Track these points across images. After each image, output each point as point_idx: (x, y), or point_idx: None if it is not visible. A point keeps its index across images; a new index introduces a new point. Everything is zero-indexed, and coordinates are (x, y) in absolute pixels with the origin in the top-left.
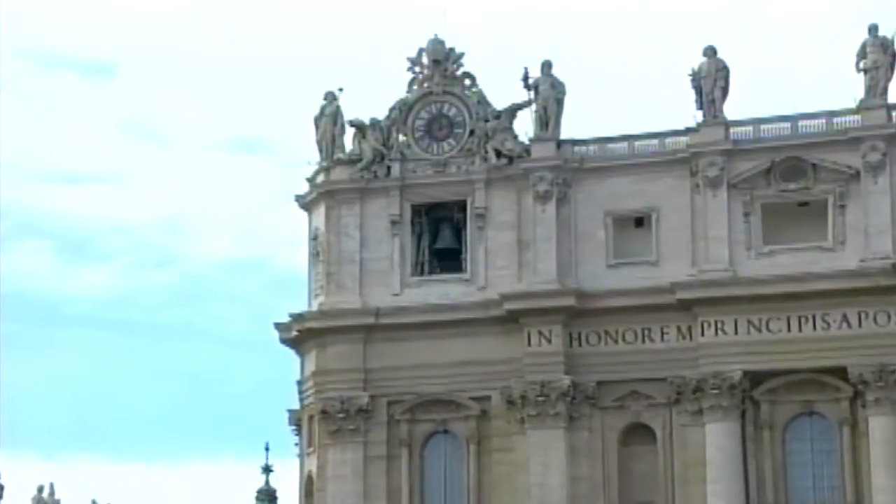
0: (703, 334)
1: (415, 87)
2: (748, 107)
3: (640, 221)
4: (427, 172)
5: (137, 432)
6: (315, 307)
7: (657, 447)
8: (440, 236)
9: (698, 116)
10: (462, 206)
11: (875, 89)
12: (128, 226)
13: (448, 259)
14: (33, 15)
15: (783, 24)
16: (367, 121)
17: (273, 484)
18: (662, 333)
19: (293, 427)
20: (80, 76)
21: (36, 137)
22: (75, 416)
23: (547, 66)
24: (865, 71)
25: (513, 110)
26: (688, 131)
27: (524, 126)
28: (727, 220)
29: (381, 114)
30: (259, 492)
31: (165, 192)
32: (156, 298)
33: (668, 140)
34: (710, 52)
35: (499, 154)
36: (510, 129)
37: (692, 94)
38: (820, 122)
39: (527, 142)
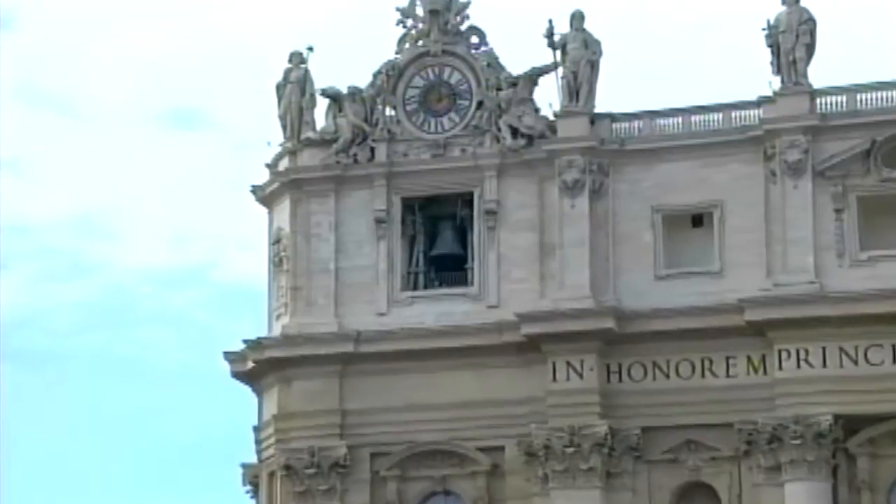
0: (780, 367)
1: (406, 46)
2: (840, 71)
3: (698, 220)
4: (422, 156)
5: (43, 492)
6: (277, 331)
7: None
8: (439, 239)
9: (775, 83)
10: (468, 199)
11: None
12: (29, 225)
13: (449, 268)
14: None
15: None
16: (344, 89)
17: None
18: (728, 366)
19: (248, 487)
20: None
21: None
22: None
23: (578, 18)
24: None
25: (533, 76)
26: (761, 102)
27: (548, 96)
28: (812, 217)
29: (363, 80)
30: None
31: (78, 180)
32: (66, 320)
33: (736, 114)
34: None
35: (515, 133)
36: (530, 100)
37: (767, 55)
38: None
39: (551, 117)
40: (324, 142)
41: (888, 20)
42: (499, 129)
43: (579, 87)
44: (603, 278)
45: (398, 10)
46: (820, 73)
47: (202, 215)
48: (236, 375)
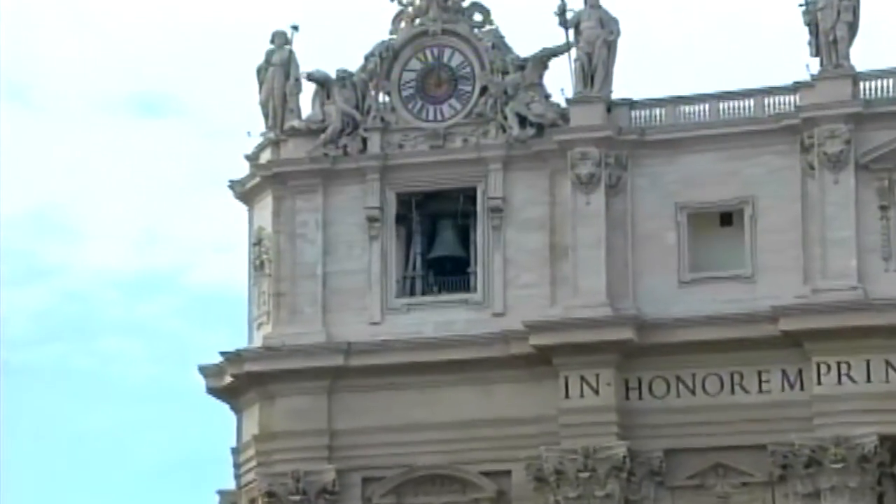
0: (819, 381)
1: (402, 25)
2: (886, 52)
3: (727, 218)
4: (420, 148)
5: None
6: (258, 342)
7: None
8: (439, 240)
9: (813, 66)
10: (470, 195)
11: None
12: None
13: (450, 272)
14: None
15: None
16: (332, 73)
17: None
18: (760, 381)
19: None
20: None
21: None
22: None
23: None
24: None
25: (543, 58)
26: (798, 87)
27: (560, 81)
28: (854, 216)
29: (354, 64)
30: None
31: (33, 174)
32: (20, 329)
33: (770, 100)
34: None
35: (523, 121)
36: (539, 85)
37: (804, 33)
38: None
39: (563, 103)
40: (310, 131)
41: None
42: (505, 118)
43: (594, 70)
44: (621, 283)
45: None
46: (864, 55)
47: (173, 213)
48: (212, 391)
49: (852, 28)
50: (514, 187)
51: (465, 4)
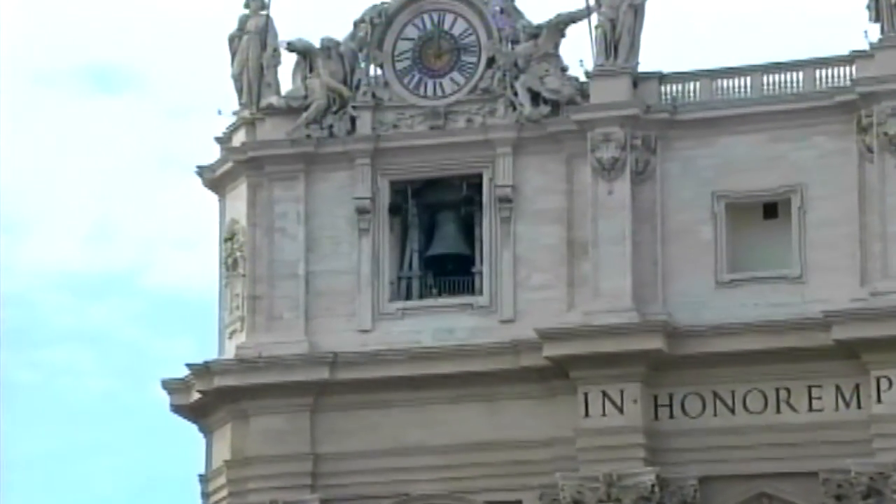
0: (879, 399)
1: None
2: None
3: (771, 210)
4: (417, 129)
5: None
6: (231, 352)
7: None
8: (438, 234)
9: (872, 32)
10: (475, 183)
11: None
12: None
13: (452, 272)
14: None
15: None
16: (316, 42)
17: None
18: (810, 398)
19: None
20: None
21: None
22: None
23: None
24: None
25: (560, 25)
26: (854, 58)
27: (579, 52)
28: None
29: (341, 31)
30: None
31: None
32: None
33: (822, 73)
34: None
35: (536, 98)
36: (555, 55)
37: None
38: None
39: (583, 77)
40: (290, 110)
41: None
42: (515, 94)
43: (618, 39)
44: (649, 285)
45: None
46: None
47: (131, 204)
48: (177, 409)
49: None
50: (526, 174)
51: None
